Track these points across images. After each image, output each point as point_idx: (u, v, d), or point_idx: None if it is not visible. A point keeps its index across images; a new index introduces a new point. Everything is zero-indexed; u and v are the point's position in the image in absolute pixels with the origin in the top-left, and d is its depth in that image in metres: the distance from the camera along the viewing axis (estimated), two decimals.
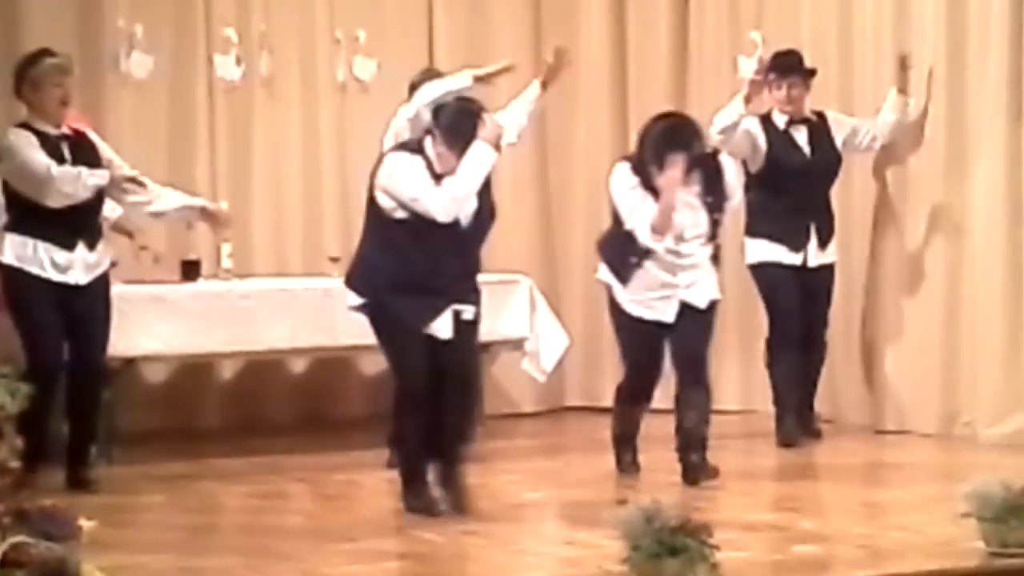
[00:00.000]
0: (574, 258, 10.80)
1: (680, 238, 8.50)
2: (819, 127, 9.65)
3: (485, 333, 9.43)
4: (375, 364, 9.57)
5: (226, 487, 8.38)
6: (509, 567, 6.61)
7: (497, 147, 7.73)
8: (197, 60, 10.08)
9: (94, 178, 8.06)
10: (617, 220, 8.66)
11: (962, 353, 9.64)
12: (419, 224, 7.63)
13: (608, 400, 9.93)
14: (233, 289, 9.18)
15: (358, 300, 7.87)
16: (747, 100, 9.19)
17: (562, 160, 9.80)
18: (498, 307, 9.51)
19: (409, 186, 7.51)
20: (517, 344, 9.84)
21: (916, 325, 9.94)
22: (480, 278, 8.94)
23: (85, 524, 5.79)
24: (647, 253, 8.46)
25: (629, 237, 8.53)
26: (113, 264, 8.98)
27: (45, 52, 8.35)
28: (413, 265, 7.76)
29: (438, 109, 7.96)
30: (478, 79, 8.42)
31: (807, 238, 9.52)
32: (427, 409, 7.87)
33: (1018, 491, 6.35)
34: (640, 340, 8.78)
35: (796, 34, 10.56)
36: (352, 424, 9.16)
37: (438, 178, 7.54)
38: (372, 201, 7.74)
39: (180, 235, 9.66)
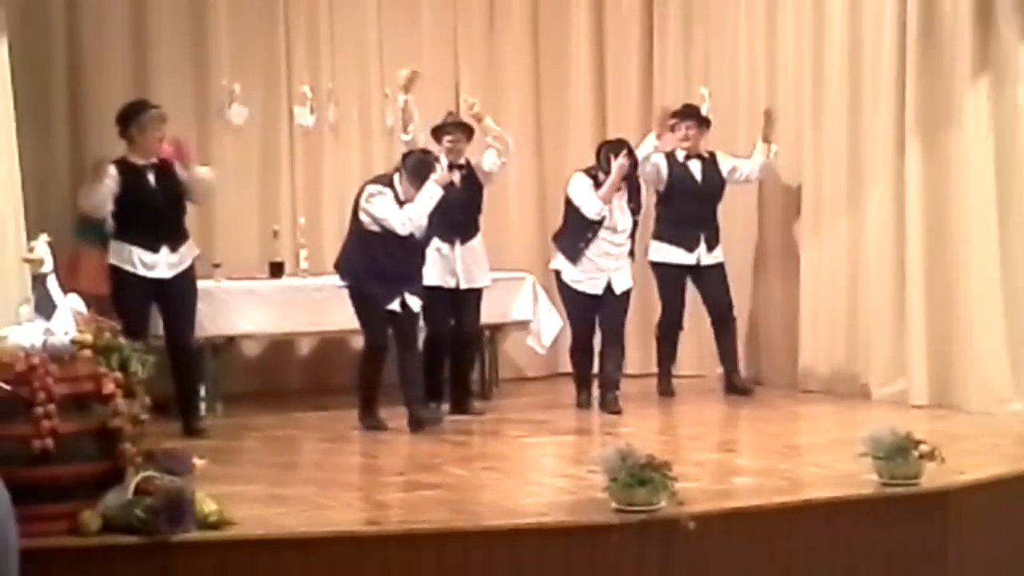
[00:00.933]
0: None
1: (614, 230, 9.04)
2: (709, 162, 9.78)
3: (499, 317, 9.66)
4: None
5: (303, 434, 8.44)
6: (517, 494, 6.62)
7: (445, 187, 8.26)
8: (281, 111, 10.06)
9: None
10: (567, 217, 9.21)
11: (860, 333, 9.67)
12: (386, 236, 8.19)
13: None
14: (308, 284, 9.17)
15: (341, 283, 8.44)
16: (658, 137, 9.41)
17: (557, 184, 9.83)
18: (509, 297, 9.66)
19: (380, 210, 8.14)
20: (523, 325, 9.88)
21: (828, 311, 9.92)
22: (495, 275, 9.19)
23: (198, 462, 5.96)
24: (590, 239, 8.99)
25: (578, 227, 9.07)
26: (216, 265, 9.10)
27: (147, 104, 8.36)
28: (381, 263, 8.25)
29: (405, 156, 8.41)
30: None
31: (697, 243, 9.62)
32: (383, 361, 8.50)
33: (902, 436, 6.44)
34: (581, 308, 9.30)
35: (734, 89, 10.63)
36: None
37: (401, 204, 8.12)
38: (355, 216, 8.31)
39: (268, 243, 9.71)
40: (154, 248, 8.11)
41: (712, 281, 9.73)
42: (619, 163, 8.96)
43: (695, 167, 9.70)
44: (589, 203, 9.02)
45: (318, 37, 10.40)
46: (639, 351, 10.46)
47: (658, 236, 9.75)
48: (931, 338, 9.11)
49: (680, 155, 9.71)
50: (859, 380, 9.67)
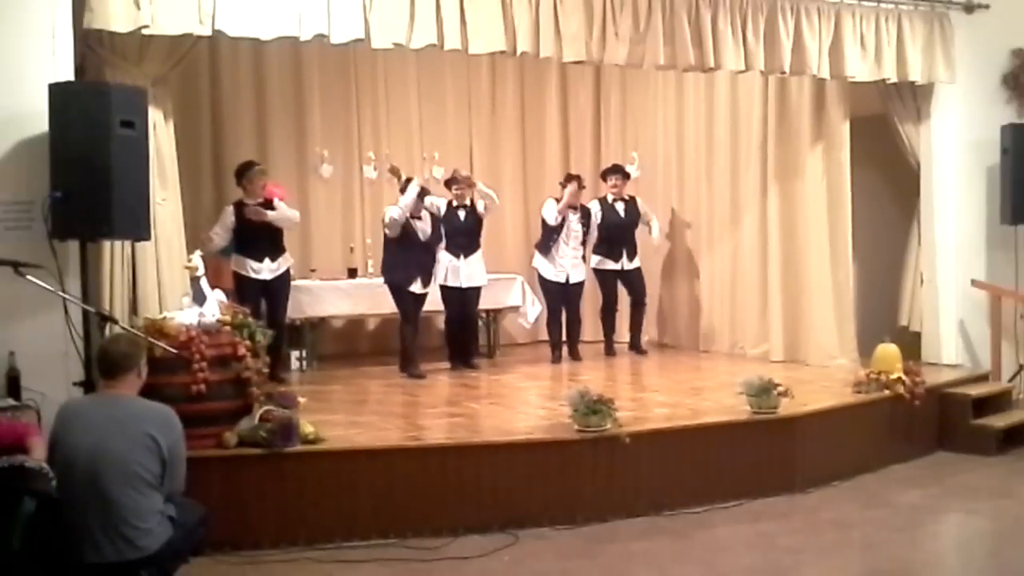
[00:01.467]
0: None
1: (570, 237, 9.21)
2: (631, 204, 9.63)
3: (499, 303, 9.67)
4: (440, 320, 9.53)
5: (370, 382, 8.30)
6: (512, 420, 6.65)
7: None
8: (354, 168, 9.94)
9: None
10: (542, 230, 9.30)
11: (738, 312, 9.64)
12: (402, 240, 8.21)
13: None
14: (373, 283, 8.91)
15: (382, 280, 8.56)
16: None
17: (538, 213, 9.75)
18: (506, 290, 9.61)
19: (387, 213, 8.33)
20: (514, 309, 9.76)
21: (717, 297, 9.89)
22: (496, 276, 9.19)
23: (301, 400, 5.98)
24: (555, 242, 9.20)
25: (547, 235, 9.23)
26: (312, 270, 9.06)
27: (253, 163, 8.29)
28: (402, 258, 8.26)
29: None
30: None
31: (621, 256, 9.55)
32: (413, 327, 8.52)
33: (766, 380, 6.52)
34: (554, 293, 9.35)
35: (654, 151, 10.54)
36: (432, 350, 9.23)
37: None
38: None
39: (347, 255, 9.59)
40: (259, 259, 8.05)
41: (632, 280, 9.67)
42: (569, 188, 9.18)
43: (619, 207, 9.59)
44: (550, 213, 9.20)
45: (378, 118, 10.30)
46: (594, 326, 10.45)
47: (596, 252, 9.68)
48: (785, 316, 9.07)
49: (610, 198, 9.61)
50: (738, 344, 9.63)
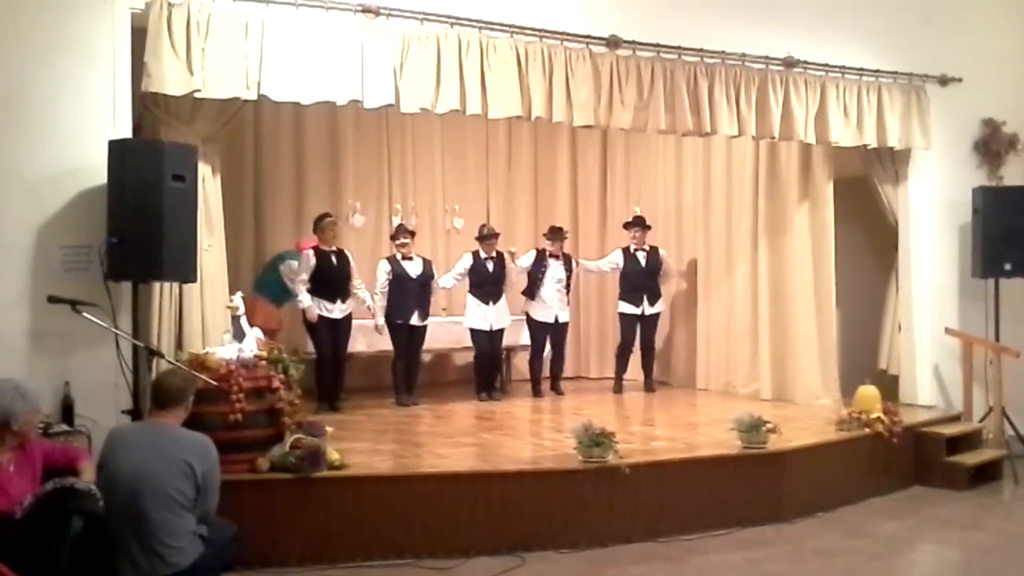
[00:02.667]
0: (589, 310, 10.67)
1: (557, 283, 9.17)
2: (653, 253, 9.62)
3: (510, 342, 9.58)
4: (467, 355, 9.55)
5: (392, 412, 8.26)
6: (521, 448, 6.63)
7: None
8: (384, 218, 9.93)
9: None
10: (528, 277, 9.27)
11: (731, 354, 9.57)
12: (397, 283, 8.35)
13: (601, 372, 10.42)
14: None
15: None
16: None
17: None
18: (517, 331, 9.55)
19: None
20: (525, 347, 9.65)
21: (713, 340, 9.83)
22: (512, 318, 9.20)
23: (328, 429, 5.95)
24: (540, 286, 9.16)
25: (534, 281, 9.20)
26: (369, 308, 8.96)
27: (327, 215, 8.43)
28: (399, 297, 8.39)
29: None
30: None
31: (642, 301, 9.48)
32: (409, 359, 8.59)
33: (756, 417, 6.47)
34: (541, 331, 9.27)
35: (655, 207, 10.59)
36: (447, 384, 9.19)
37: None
38: None
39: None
40: (332, 300, 8.14)
41: (650, 323, 9.61)
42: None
43: (641, 256, 9.57)
44: (523, 260, 9.21)
45: (406, 174, 10.36)
46: (599, 362, 10.40)
47: (621, 297, 9.64)
48: (773, 358, 9.01)
49: (632, 248, 9.60)
50: (730, 383, 9.56)
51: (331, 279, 8.15)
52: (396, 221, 9.68)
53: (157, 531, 4.01)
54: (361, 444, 6.58)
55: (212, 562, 4.24)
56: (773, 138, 7.97)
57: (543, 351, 9.36)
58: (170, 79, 5.80)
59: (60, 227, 5.60)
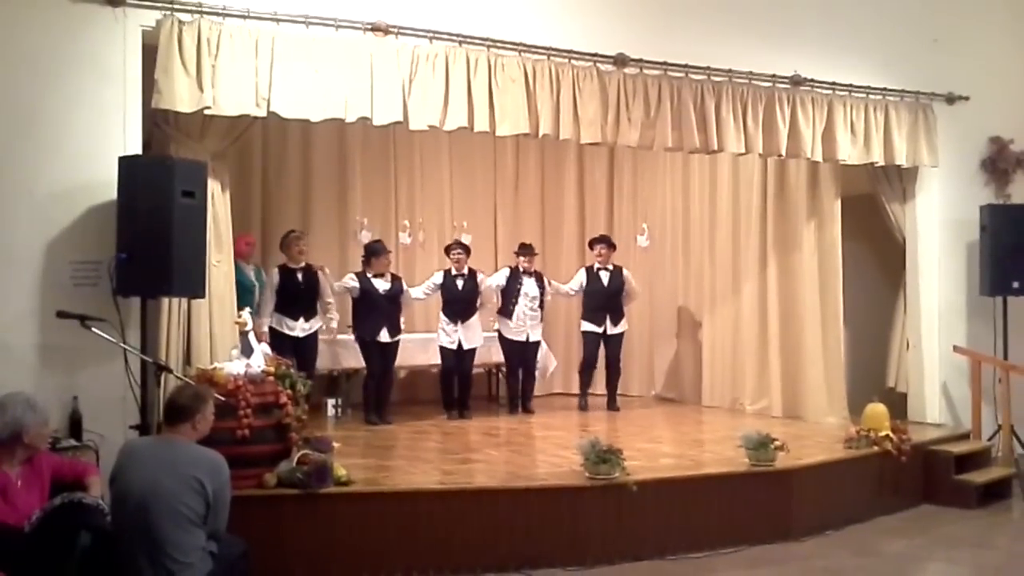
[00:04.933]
0: (557, 328, 10.68)
1: (531, 301, 9.09)
2: (616, 272, 9.46)
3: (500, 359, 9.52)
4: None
5: (399, 428, 8.21)
6: (527, 466, 6.59)
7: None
8: (391, 234, 9.87)
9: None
10: (502, 295, 9.15)
11: (739, 371, 9.51)
12: (365, 297, 8.28)
13: (569, 388, 10.15)
14: (401, 339, 8.81)
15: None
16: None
17: (555, 276, 9.81)
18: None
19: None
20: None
21: (720, 357, 9.77)
22: (485, 335, 9.14)
23: (335, 445, 5.93)
24: (515, 304, 9.05)
25: (508, 299, 9.09)
26: (349, 326, 8.90)
27: (292, 231, 8.30)
28: (367, 313, 8.30)
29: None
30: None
31: (604, 321, 9.34)
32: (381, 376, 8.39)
33: (764, 435, 6.44)
34: (513, 351, 9.16)
35: (663, 222, 10.57)
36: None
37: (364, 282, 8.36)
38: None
39: None
40: (295, 318, 8.00)
41: (611, 344, 9.44)
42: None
43: (604, 275, 9.43)
44: (494, 279, 9.19)
45: (413, 190, 10.38)
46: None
47: (583, 316, 9.53)
48: (783, 375, 8.98)
49: (596, 267, 9.47)
50: (739, 400, 9.51)
51: (295, 296, 8.02)
52: (403, 238, 9.70)
53: (167, 547, 4.00)
54: (367, 460, 6.56)
55: None
56: (780, 156, 7.98)
57: (516, 369, 9.25)
58: (180, 96, 5.85)
59: (70, 242, 5.63)
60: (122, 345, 5.23)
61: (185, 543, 4.04)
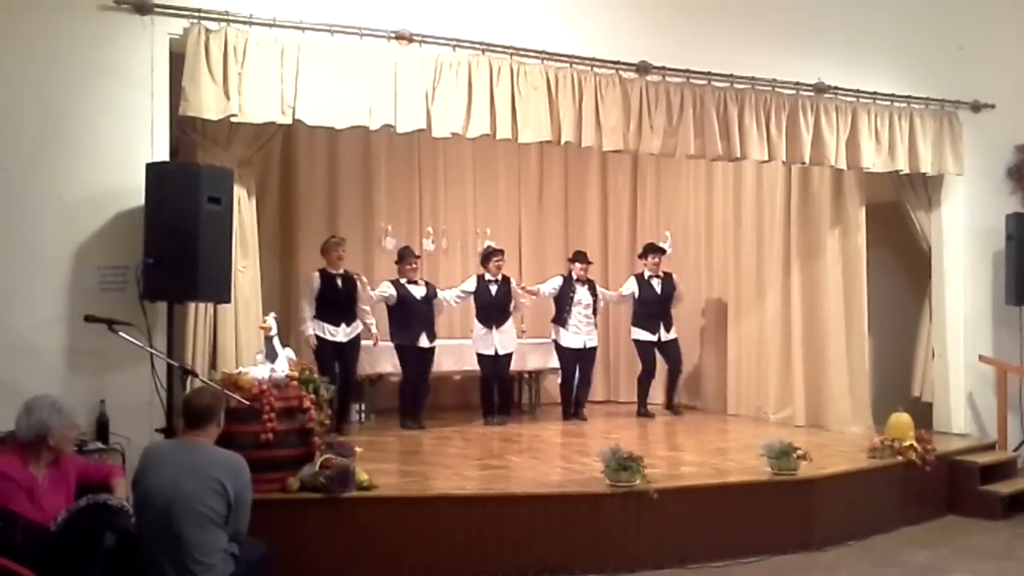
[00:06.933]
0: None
1: (585, 309, 9.15)
2: (667, 279, 9.58)
3: (539, 365, 9.57)
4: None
5: (422, 433, 8.22)
6: (548, 472, 6.58)
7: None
8: (415, 241, 9.91)
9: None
10: (557, 303, 9.27)
11: (763, 379, 9.50)
12: (402, 304, 8.38)
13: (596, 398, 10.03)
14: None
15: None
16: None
17: None
18: (546, 354, 9.57)
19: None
20: (554, 370, 9.68)
21: (744, 365, 9.77)
22: (536, 342, 9.19)
23: (358, 449, 5.95)
24: (569, 313, 9.12)
25: (562, 307, 9.18)
26: (371, 332, 8.98)
27: (332, 236, 8.45)
28: (406, 320, 8.41)
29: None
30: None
31: (658, 328, 9.46)
32: (417, 382, 8.48)
33: (786, 443, 6.39)
34: (570, 358, 9.19)
35: (686, 230, 10.59)
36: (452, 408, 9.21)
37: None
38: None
39: None
40: (336, 324, 8.11)
41: (669, 350, 9.58)
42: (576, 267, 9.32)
43: (656, 282, 9.54)
44: (547, 286, 9.31)
45: (437, 197, 10.43)
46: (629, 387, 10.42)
47: (634, 324, 9.63)
48: (806, 384, 8.94)
49: (647, 275, 9.57)
50: (762, 409, 9.48)
51: (336, 302, 8.11)
52: (427, 244, 9.74)
53: (189, 548, 4.03)
54: (390, 465, 6.59)
55: None
56: (803, 163, 7.95)
57: (573, 376, 9.32)
58: (207, 103, 5.91)
59: (98, 247, 5.70)
60: (148, 349, 5.28)
61: (207, 544, 4.07)
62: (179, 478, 4.09)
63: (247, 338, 6.36)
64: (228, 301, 5.98)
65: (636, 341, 9.64)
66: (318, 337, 8.05)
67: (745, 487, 6.27)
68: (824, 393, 8.74)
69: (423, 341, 8.52)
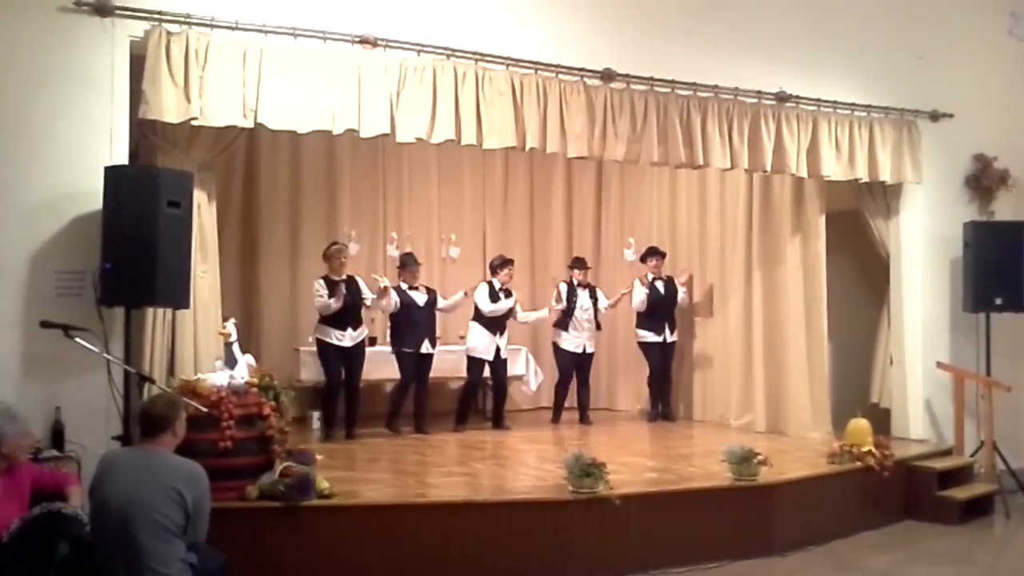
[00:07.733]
0: (545, 340, 10.67)
1: (586, 314, 9.27)
2: (670, 282, 9.71)
3: (509, 372, 9.52)
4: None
5: (384, 440, 8.23)
6: (513, 478, 6.64)
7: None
8: (378, 247, 9.94)
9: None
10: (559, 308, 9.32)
11: (725, 387, 9.58)
12: (404, 310, 8.38)
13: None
14: (388, 351, 8.76)
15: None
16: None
17: (544, 289, 9.82)
18: (513, 361, 9.58)
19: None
20: (520, 377, 9.75)
21: (708, 373, 9.87)
22: (509, 346, 9.23)
23: (318, 457, 5.90)
24: (571, 318, 9.21)
25: (564, 312, 9.29)
26: (373, 338, 8.99)
27: (335, 243, 8.48)
28: (407, 326, 8.42)
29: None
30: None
31: (664, 330, 9.56)
32: (419, 387, 8.55)
33: (747, 449, 6.44)
34: (568, 362, 9.29)
35: (649, 237, 10.58)
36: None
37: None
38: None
39: (368, 325, 9.55)
40: (343, 328, 8.18)
41: (670, 352, 9.71)
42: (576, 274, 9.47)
43: (660, 285, 9.65)
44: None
45: (401, 202, 10.39)
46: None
47: (640, 326, 9.71)
48: (767, 390, 9.02)
49: (650, 277, 9.67)
50: (724, 415, 9.56)
51: (343, 307, 8.13)
52: (391, 250, 9.70)
53: (146, 558, 3.96)
54: (351, 473, 6.55)
55: None
56: (765, 171, 8.03)
57: (569, 380, 9.40)
58: (167, 106, 5.85)
59: (55, 252, 5.60)
60: (105, 355, 5.20)
61: (164, 554, 4.01)
62: (136, 486, 4.02)
63: (206, 344, 6.29)
64: (187, 306, 5.91)
65: (642, 343, 9.72)
66: (324, 342, 8.12)
67: (706, 493, 6.30)
68: (784, 399, 8.83)
69: (426, 347, 8.61)
